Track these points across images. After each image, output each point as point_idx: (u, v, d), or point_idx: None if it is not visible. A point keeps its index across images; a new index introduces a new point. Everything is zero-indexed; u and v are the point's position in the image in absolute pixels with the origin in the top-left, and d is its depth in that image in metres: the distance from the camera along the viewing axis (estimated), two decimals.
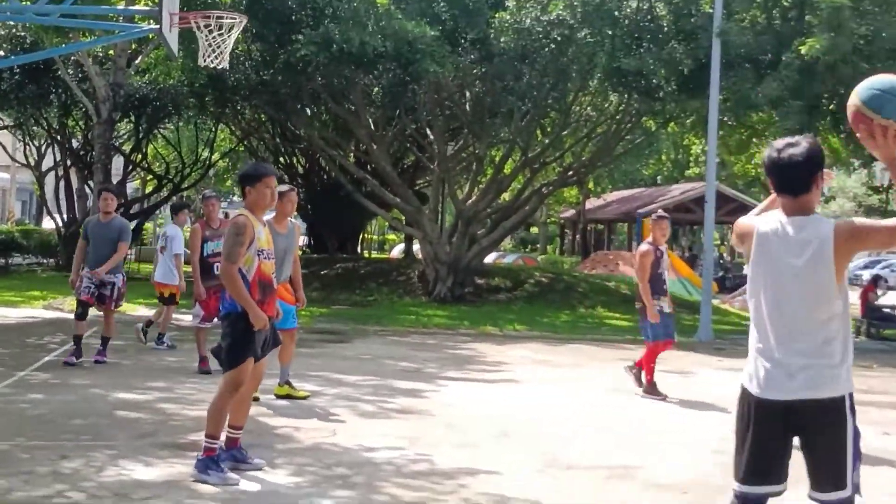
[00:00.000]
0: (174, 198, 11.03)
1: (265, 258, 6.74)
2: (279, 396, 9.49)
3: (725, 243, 53.69)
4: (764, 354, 4.10)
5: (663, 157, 44.61)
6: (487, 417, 9.22)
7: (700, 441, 8.53)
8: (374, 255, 44.71)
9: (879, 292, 22.23)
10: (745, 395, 4.16)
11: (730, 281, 36.44)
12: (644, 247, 11.03)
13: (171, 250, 13.08)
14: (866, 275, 32.97)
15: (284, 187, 9.21)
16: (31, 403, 8.87)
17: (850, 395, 4.03)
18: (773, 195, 4.25)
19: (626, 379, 11.01)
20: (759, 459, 4.08)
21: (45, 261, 30.42)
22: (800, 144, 4.08)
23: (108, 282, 11.40)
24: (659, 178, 50.54)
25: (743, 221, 4.29)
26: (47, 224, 35.71)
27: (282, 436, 7.93)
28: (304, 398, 9.60)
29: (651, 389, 10.88)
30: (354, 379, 11.22)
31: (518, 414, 9.51)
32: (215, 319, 11.52)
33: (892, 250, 8.23)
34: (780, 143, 4.16)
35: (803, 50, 17.67)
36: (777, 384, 4.02)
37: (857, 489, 4.06)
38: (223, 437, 6.71)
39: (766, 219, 4.16)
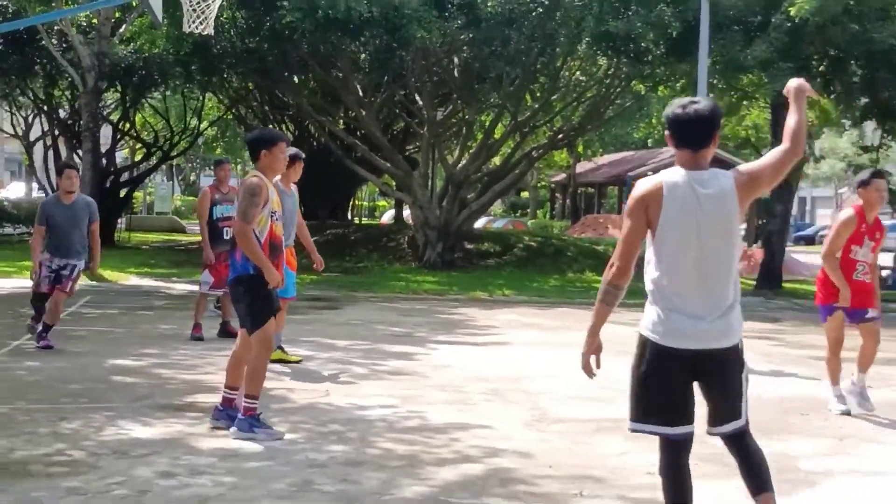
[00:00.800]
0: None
1: (276, 220, 6.84)
2: (272, 361, 9.56)
3: None
4: (676, 306, 4.22)
5: (654, 121, 44.58)
6: (477, 377, 9.34)
7: None
8: (365, 221, 44.78)
9: None
10: (650, 344, 4.27)
11: None
12: None
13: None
14: None
15: (293, 150, 9.23)
16: (27, 370, 8.97)
17: (741, 339, 4.31)
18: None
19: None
20: (670, 402, 4.25)
21: None
22: (702, 102, 4.33)
23: (70, 264, 10.26)
24: (650, 140, 50.52)
25: (645, 181, 4.37)
26: (36, 193, 35.65)
27: (276, 397, 8.03)
28: (297, 362, 9.71)
29: None
30: (346, 343, 11.34)
31: (507, 374, 9.64)
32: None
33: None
34: (683, 100, 4.35)
35: (792, 11, 17.69)
36: (691, 334, 4.18)
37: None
38: (222, 395, 6.89)
39: (670, 176, 4.27)
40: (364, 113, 24.78)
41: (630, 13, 19.25)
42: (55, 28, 22.70)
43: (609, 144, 46.23)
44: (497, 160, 30.87)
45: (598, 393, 8.73)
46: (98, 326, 12.10)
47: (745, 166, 4.40)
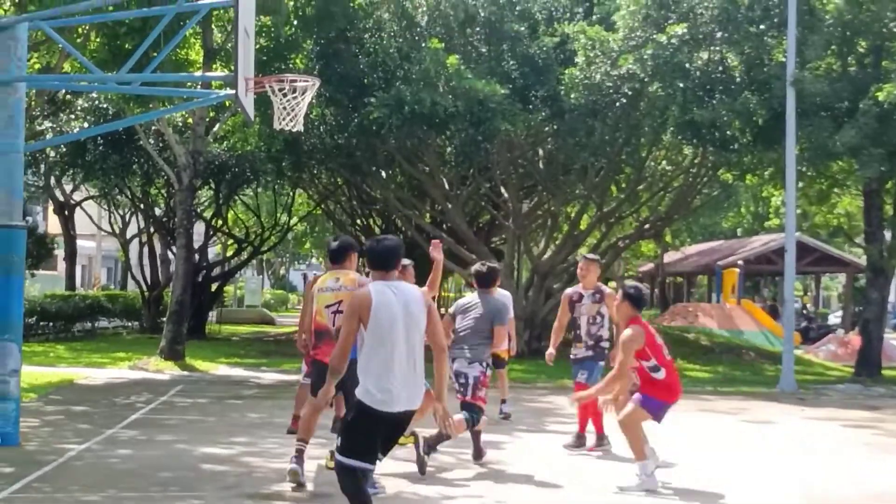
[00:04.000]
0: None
1: None
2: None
3: (809, 294, 52.70)
4: (389, 381, 5.83)
5: (742, 210, 44.14)
6: (564, 466, 9.21)
7: (781, 487, 8.41)
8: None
9: None
10: (368, 410, 5.85)
11: (814, 332, 35.64)
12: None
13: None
14: None
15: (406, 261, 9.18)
16: (119, 458, 9.11)
17: None
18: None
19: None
20: (373, 449, 5.93)
21: (129, 324, 31.14)
22: (390, 239, 6.29)
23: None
24: (739, 230, 49.96)
25: (361, 294, 6.03)
26: (132, 288, 36.56)
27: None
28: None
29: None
30: (431, 431, 11.24)
31: (593, 463, 9.49)
32: None
33: None
34: (378, 237, 6.34)
35: (881, 96, 17.46)
36: (396, 402, 5.85)
37: None
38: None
39: (375, 286, 5.99)
40: (450, 206, 25.02)
41: (714, 102, 19.19)
42: (152, 128, 23.50)
43: (697, 234, 45.84)
44: (583, 251, 30.81)
45: (692, 483, 8.54)
46: (189, 415, 12.26)
47: (428, 300, 6.18)
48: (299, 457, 8.04)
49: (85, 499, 7.33)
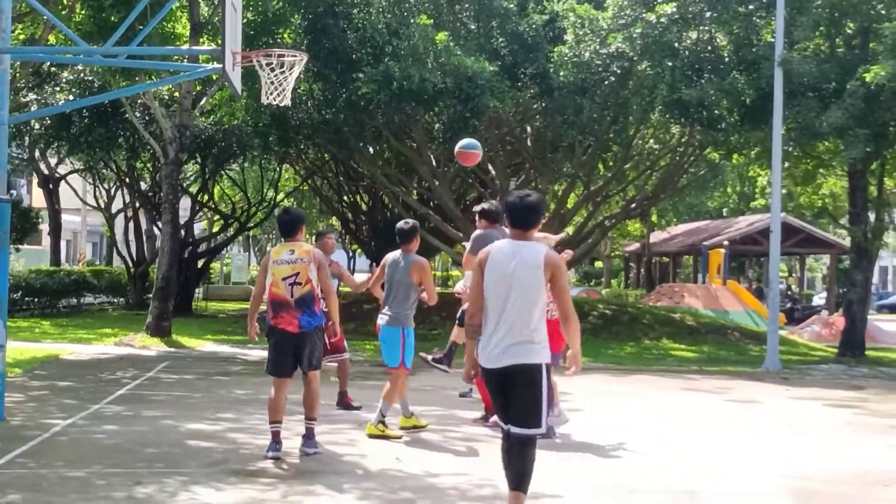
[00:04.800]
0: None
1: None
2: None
3: (794, 275, 52.94)
4: (491, 338, 5.86)
5: (728, 189, 44.19)
6: (551, 444, 9.22)
7: (766, 466, 8.46)
8: (438, 290, 44.73)
9: None
10: (482, 366, 5.96)
11: (798, 313, 35.79)
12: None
13: None
14: None
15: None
16: (105, 434, 9.09)
17: (546, 365, 5.94)
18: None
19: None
20: (501, 406, 6.03)
21: (115, 300, 31.07)
22: (534, 196, 6.07)
23: None
24: (725, 210, 50.06)
25: (482, 252, 6.04)
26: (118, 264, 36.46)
27: (348, 462, 8.03)
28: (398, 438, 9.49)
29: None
30: (419, 409, 11.24)
31: (581, 441, 9.51)
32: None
33: None
34: (519, 193, 6.07)
35: (868, 77, 17.45)
36: (495, 359, 5.85)
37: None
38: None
39: (496, 246, 6.03)
40: (437, 183, 24.98)
41: (703, 81, 19.16)
42: (138, 101, 23.35)
43: (683, 214, 45.89)
44: (570, 230, 30.85)
45: (674, 462, 8.58)
46: (175, 391, 12.24)
47: (557, 256, 6.01)
48: (275, 439, 8.08)
49: (69, 474, 7.32)
